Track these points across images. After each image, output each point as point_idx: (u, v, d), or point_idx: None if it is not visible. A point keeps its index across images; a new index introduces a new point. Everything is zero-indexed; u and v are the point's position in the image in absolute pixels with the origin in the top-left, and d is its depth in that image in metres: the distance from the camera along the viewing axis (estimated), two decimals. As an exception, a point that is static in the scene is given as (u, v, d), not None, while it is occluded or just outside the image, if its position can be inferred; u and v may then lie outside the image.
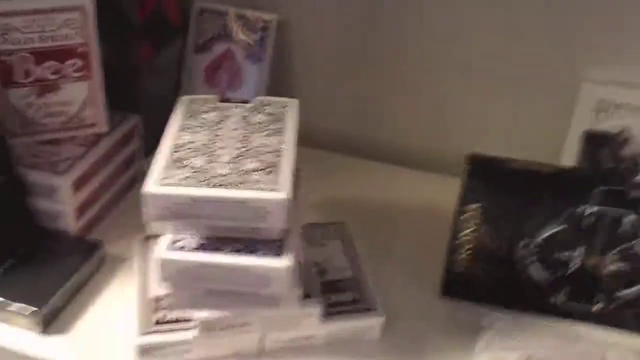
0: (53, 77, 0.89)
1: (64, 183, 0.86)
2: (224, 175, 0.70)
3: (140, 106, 1.01)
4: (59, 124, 0.92)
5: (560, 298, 0.83)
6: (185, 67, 1.10)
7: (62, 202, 0.87)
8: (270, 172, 0.71)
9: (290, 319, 0.76)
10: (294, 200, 0.70)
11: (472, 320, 0.82)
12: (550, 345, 0.80)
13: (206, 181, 0.69)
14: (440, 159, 1.07)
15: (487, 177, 0.80)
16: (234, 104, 0.82)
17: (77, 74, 0.90)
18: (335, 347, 0.79)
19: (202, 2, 1.08)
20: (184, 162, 0.72)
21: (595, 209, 0.78)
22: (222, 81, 1.09)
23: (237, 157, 0.73)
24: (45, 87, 0.89)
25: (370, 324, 0.80)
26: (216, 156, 0.73)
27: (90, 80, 0.91)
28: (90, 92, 0.91)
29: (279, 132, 0.77)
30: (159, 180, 0.69)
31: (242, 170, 0.71)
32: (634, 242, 0.78)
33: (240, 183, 0.69)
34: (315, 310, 0.76)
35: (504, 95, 1.04)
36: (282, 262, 0.70)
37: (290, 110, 0.81)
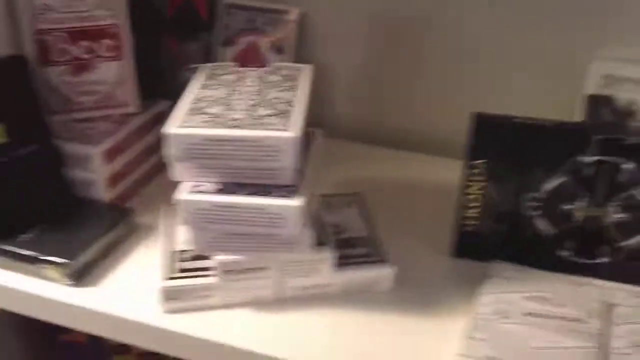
0: (88, 56, 0.95)
1: (95, 152, 0.92)
2: (239, 119, 0.76)
3: (168, 94, 1.07)
4: (93, 103, 0.98)
5: (566, 251, 0.86)
6: (213, 60, 1.16)
7: (95, 171, 0.93)
8: (282, 117, 0.76)
9: (304, 264, 0.80)
10: (306, 148, 0.75)
11: (481, 275, 0.85)
12: (556, 287, 0.82)
13: (221, 124, 0.75)
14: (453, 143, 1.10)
15: (491, 133, 0.83)
16: (251, 68, 0.88)
17: (109, 54, 0.96)
18: (348, 296, 0.83)
19: (229, -2, 1.15)
20: (203, 110, 0.78)
21: (594, 158, 0.80)
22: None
23: (252, 106, 0.78)
24: (81, 65, 0.96)
25: (382, 274, 0.84)
26: (232, 106, 0.79)
27: (122, 60, 0.97)
28: (122, 72, 0.98)
29: (292, 88, 0.83)
30: (178, 123, 0.75)
31: (256, 115, 0.77)
32: (634, 190, 0.81)
33: (254, 125, 0.75)
34: (328, 256, 0.81)
35: (514, 77, 1.08)
36: (294, 202, 0.74)
37: (304, 72, 0.87)
